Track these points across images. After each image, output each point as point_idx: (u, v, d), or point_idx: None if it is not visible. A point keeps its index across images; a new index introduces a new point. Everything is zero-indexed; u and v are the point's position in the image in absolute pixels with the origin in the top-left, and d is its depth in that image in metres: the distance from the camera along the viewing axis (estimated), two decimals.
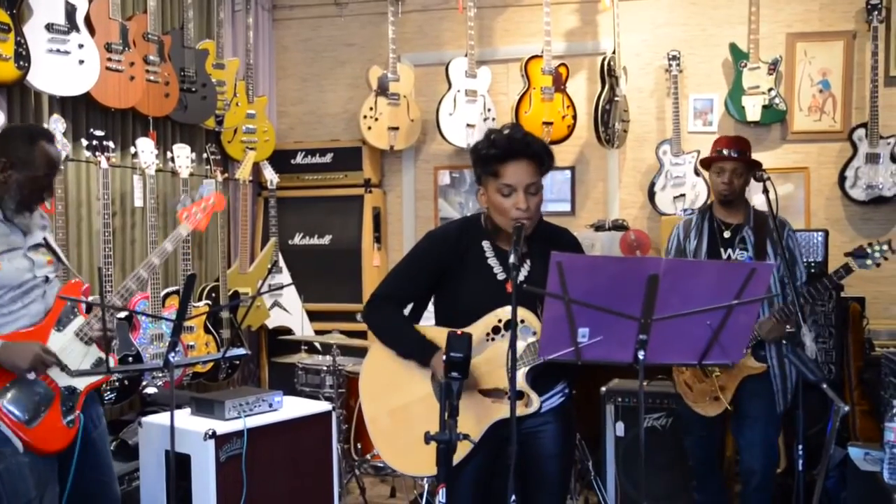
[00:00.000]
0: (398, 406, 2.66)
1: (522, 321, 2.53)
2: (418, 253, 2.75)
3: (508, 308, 2.31)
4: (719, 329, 2.20)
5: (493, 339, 2.57)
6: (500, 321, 2.56)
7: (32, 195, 2.76)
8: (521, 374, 2.53)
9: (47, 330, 2.80)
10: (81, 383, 2.87)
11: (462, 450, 2.47)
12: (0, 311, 2.71)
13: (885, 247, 3.38)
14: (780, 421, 3.69)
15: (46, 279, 2.84)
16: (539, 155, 2.54)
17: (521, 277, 2.58)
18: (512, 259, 2.30)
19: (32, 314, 2.78)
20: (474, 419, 2.53)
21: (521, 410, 2.53)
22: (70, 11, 4.00)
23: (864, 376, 4.45)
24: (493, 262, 2.63)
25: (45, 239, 2.89)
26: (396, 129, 5.65)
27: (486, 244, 2.64)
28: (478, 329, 2.55)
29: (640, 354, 2.21)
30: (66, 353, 2.82)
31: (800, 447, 2.95)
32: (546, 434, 2.62)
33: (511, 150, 2.52)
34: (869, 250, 3.38)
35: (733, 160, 3.60)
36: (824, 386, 2.65)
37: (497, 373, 2.55)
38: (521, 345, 2.53)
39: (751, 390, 3.56)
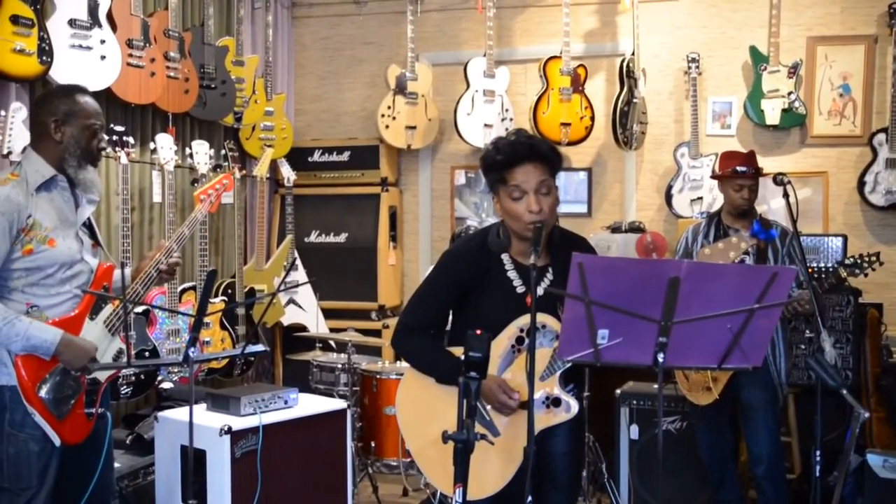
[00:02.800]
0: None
1: (544, 326, 2.52)
2: (439, 274, 2.72)
3: (528, 316, 2.30)
4: (740, 333, 2.19)
5: (519, 351, 2.56)
6: (521, 331, 2.55)
7: (89, 144, 2.79)
8: (554, 380, 2.53)
9: (82, 319, 2.78)
10: (102, 375, 2.88)
11: (508, 471, 2.52)
12: (49, 292, 2.70)
13: (874, 258, 3.75)
14: (780, 411, 3.98)
15: (82, 260, 2.83)
16: (546, 156, 2.53)
17: (542, 288, 2.58)
18: (532, 259, 2.29)
19: (75, 299, 2.77)
20: (516, 432, 2.52)
21: (562, 417, 2.55)
22: (93, 7, 4.03)
23: (882, 383, 4.42)
24: (512, 274, 2.61)
25: (89, 218, 2.89)
26: (414, 128, 5.65)
27: (505, 257, 2.63)
28: (501, 343, 2.55)
29: (660, 357, 2.20)
30: (99, 347, 2.80)
31: (817, 453, 2.95)
32: (556, 433, 2.62)
33: (516, 154, 2.51)
34: (860, 261, 3.75)
35: (751, 177, 3.86)
36: (844, 392, 2.64)
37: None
38: (547, 352, 2.53)
39: (751, 381, 3.74)
